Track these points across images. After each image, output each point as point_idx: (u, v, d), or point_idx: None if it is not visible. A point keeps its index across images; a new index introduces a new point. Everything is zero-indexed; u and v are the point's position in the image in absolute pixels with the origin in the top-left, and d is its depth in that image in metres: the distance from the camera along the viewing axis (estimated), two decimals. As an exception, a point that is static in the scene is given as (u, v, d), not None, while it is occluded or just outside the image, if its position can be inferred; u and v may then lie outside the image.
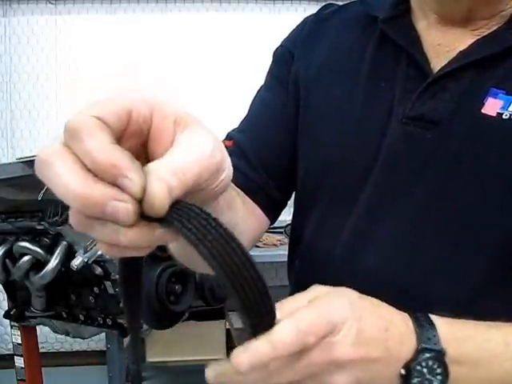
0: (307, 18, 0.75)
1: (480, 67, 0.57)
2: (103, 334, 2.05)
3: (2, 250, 1.27)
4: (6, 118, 2.63)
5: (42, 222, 1.16)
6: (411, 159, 0.58)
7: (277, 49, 0.75)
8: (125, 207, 0.31)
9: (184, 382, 2.46)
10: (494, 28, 0.58)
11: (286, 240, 1.98)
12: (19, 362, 1.63)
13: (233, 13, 2.64)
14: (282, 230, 2.07)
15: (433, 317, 0.47)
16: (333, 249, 0.62)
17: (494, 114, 0.55)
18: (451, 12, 0.59)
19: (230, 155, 0.38)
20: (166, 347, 2.10)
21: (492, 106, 0.56)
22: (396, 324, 0.44)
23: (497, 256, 0.55)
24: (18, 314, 1.48)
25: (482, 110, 0.56)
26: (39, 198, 1.16)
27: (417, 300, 0.53)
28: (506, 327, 0.49)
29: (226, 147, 0.37)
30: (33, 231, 1.21)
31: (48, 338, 2.49)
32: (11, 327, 1.62)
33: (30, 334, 1.63)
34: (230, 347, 2.10)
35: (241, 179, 0.65)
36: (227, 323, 2.13)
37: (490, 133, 0.55)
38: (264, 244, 2.04)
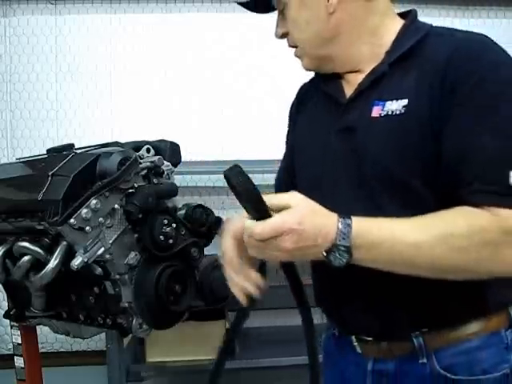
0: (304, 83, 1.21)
1: (368, 90, 0.98)
2: (103, 334, 2.06)
3: (2, 250, 1.27)
4: (5, 118, 2.63)
5: (42, 222, 1.15)
6: (338, 156, 1.00)
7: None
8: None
9: (184, 382, 2.46)
10: (373, 66, 0.98)
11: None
12: (19, 362, 1.62)
13: (233, 13, 2.64)
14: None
15: (355, 218, 0.81)
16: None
17: (378, 115, 0.94)
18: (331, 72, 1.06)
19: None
20: (166, 347, 2.10)
21: (376, 111, 0.94)
22: (326, 225, 0.81)
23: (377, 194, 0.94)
24: (18, 314, 1.48)
25: (372, 115, 0.95)
26: (39, 198, 1.16)
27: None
28: (417, 219, 0.83)
29: None
30: (33, 231, 1.21)
31: (48, 338, 2.49)
32: (11, 327, 1.61)
33: (30, 334, 1.63)
34: (230, 347, 2.09)
35: None
36: (227, 323, 2.13)
37: (376, 127, 0.94)
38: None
